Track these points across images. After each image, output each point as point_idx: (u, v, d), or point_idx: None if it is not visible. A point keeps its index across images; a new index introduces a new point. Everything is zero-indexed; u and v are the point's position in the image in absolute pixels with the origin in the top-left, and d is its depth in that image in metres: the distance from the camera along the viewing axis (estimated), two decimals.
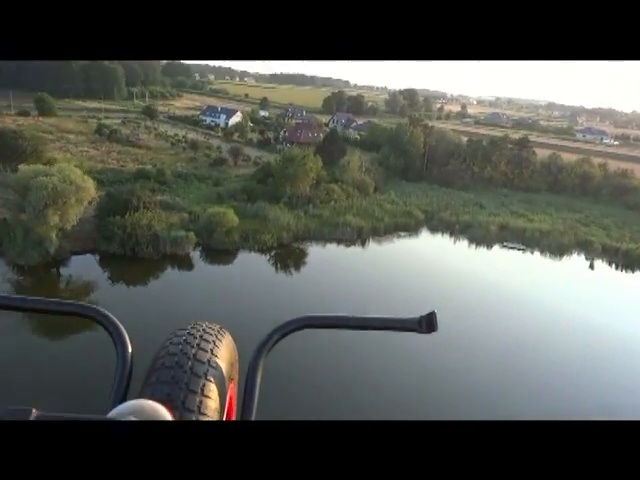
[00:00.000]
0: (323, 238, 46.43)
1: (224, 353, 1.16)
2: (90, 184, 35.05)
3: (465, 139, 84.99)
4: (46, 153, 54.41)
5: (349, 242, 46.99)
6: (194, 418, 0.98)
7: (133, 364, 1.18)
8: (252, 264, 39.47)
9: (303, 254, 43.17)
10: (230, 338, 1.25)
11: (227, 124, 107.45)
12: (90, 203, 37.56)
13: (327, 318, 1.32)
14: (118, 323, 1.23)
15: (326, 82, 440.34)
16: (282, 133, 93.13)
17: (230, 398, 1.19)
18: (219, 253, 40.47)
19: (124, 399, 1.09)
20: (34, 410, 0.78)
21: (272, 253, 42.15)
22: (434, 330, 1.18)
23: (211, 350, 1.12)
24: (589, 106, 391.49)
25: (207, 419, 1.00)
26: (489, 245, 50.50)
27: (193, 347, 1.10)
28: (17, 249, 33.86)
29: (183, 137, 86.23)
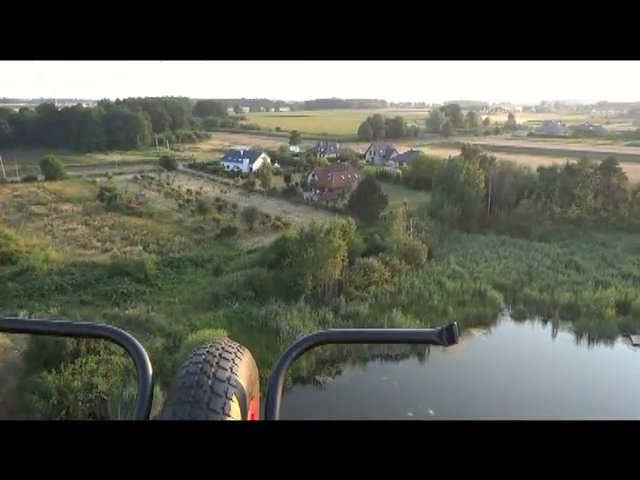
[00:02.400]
0: (361, 355, 31.84)
1: (244, 371, 1.16)
2: None
3: (535, 167, 68.60)
4: (13, 243, 43.35)
5: (399, 357, 32.16)
6: None
7: (154, 384, 1.19)
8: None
9: (330, 393, 28.68)
10: (250, 356, 1.24)
11: (251, 169, 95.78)
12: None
13: (346, 333, 1.35)
14: (138, 344, 1.23)
15: (362, 104, 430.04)
16: (311, 177, 79.78)
17: (252, 416, 1.20)
18: None
19: (147, 419, 1.11)
20: None
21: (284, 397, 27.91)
22: (455, 342, 1.19)
23: (231, 368, 1.12)
24: None
25: None
26: (608, 340, 34.26)
27: (213, 366, 1.10)
28: None
29: (196, 193, 74.60)
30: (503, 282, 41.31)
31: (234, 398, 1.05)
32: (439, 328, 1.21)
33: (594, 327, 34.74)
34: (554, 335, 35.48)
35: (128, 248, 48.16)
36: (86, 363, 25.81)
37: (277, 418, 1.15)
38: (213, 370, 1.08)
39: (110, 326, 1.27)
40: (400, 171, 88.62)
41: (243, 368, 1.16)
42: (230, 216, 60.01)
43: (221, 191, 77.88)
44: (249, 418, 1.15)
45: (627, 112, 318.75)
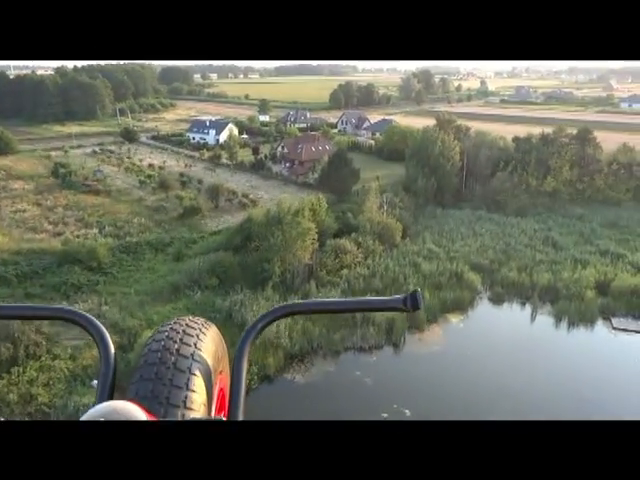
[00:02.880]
0: (333, 348, 29.81)
1: (209, 346, 1.15)
2: None
3: (509, 136, 66.72)
4: None
5: (373, 349, 30.27)
6: (179, 413, 0.99)
7: (117, 365, 1.17)
8: None
9: (299, 393, 26.65)
10: (216, 331, 1.23)
11: (218, 140, 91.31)
12: None
13: (311, 304, 1.37)
14: (100, 325, 1.21)
15: (333, 70, 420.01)
16: (280, 149, 76.31)
17: (221, 390, 1.20)
18: None
19: (110, 399, 1.08)
20: None
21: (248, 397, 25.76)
22: (419, 308, 1.19)
23: (195, 344, 1.11)
24: (616, 66, 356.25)
25: (193, 413, 1.00)
26: (588, 324, 33.07)
27: (176, 342, 1.09)
28: None
29: (159, 168, 70.44)
30: (480, 262, 39.65)
31: (198, 373, 1.04)
32: (403, 295, 1.19)
33: (574, 310, 33.45)
34: (533, 319, 34.12)
35: (82, 231, 44.69)
36: (24, 372, 23.04)
37: (243, 391, 1.14)
38: (176, 347, 1.07)
39: (70, 307, 1.23)
40: (373, 142, 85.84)
41: (208, 343, 1.13)
42: (195, 193, 56.58)
43: (186, 165, 73.83)
44: (216, 392, 1.13)
45: (596, 77, 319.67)
